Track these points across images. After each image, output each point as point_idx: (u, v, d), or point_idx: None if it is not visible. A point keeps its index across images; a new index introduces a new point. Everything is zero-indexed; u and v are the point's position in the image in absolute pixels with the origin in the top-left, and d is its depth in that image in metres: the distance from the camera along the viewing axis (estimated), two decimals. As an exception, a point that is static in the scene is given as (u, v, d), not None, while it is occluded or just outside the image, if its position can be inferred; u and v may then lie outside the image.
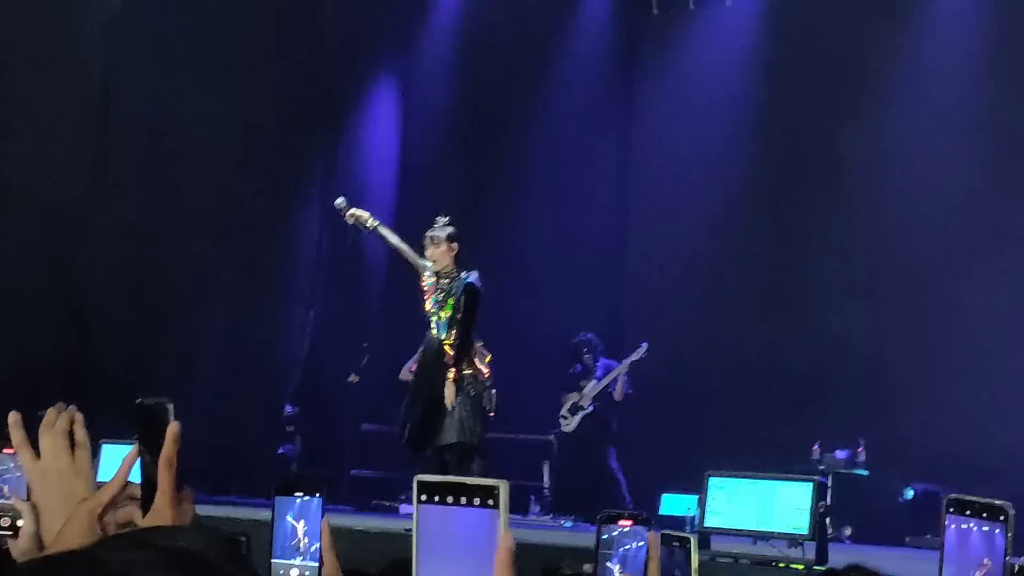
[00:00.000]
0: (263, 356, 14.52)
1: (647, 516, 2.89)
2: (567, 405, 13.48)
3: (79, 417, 2.20)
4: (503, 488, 1.34)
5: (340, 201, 10.51)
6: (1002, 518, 1.89)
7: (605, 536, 2.89)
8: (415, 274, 10.14)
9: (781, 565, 7.92)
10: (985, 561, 1.86)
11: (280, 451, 14.29)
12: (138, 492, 2.10)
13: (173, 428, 2.08)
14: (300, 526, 2.61)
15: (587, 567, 2.99)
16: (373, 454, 14.05)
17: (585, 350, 13.58)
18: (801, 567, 7.88)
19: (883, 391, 13.04)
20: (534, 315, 14.13)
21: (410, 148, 15.58)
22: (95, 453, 2.28)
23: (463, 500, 1.35)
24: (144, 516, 2.07)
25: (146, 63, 13.46)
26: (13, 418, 2.23)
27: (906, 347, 13.25)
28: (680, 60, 15.39)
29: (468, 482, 1.37)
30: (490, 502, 1.33)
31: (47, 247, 12.99)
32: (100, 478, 2.41)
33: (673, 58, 15.47)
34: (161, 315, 13.72)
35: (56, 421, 2.20)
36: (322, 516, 2.63)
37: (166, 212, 13.72)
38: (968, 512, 1.93)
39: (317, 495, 2.64)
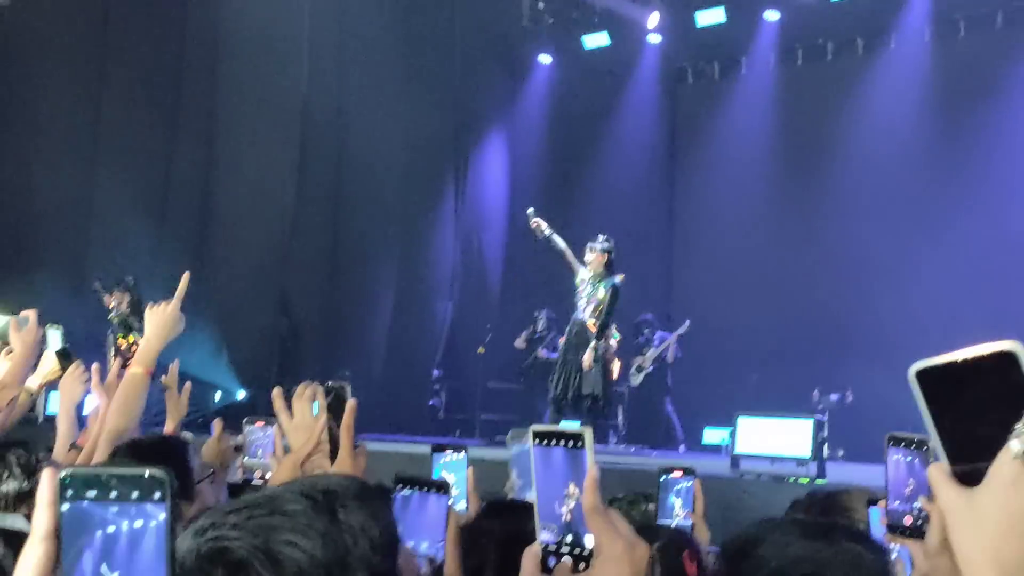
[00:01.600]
0: (416, 335, 14.69)
1: (693, 469, 2.98)
2: (634, 366, 13.51)
3: (320, 390, 2.25)
4: (588, 433, 1.29)
5: (531, 210, 10.31)
6: (925, 448, 1.81)
7: (663, 480, 2.99)
8: (566, 273, 10.19)
9: (791, 480, 7.91)
10: (910, 481, 1.79)
11: (430, 403, 14.46)
12: (327, 448, 2.17)
13: (351, 404, 2.15)
14: (451, 476, 2.58)
15: (651, 506, 3.01)
16: (497, 403, 14.17)
17: (645, 326, 13.64)
18: (806, 480, 7.86)
19: (865, 349, 12.86)
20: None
21: (516, 183, 15.65)
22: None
23: (563, 443, 1.30)
24: (331, 465, 2.13)
25: (333, 82, 13.51)
26: (277, 391, 2.31)
27: (880, 315, 13.07)
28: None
29: (564, 430, 1.31)
30: (580, 444, 1.29)
31: (263, 253, 13.20)
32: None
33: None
34: (346, 306, 13.94)
35: (305, 392, 2.27)
36: (467, 467, 2.64)
37: (348, 221, 13.88)
38: (902, 444, 1.84)
39: (463, 453, 2.65)
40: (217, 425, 3.58)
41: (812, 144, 14.13)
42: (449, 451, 2.63)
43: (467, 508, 2.60)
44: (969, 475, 0.97)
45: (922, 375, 1.01)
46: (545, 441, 1.32)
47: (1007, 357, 0.95)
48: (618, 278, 9.96)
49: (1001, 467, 0.93)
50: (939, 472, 0.99)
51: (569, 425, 10.11)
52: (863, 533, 1.53)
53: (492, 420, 13.91)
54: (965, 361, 0.98)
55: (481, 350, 14.13)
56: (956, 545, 0.96)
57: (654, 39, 14.46)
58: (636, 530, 2.58)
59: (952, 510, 0.97)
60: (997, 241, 12.41)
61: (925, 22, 13.35)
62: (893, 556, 1.87)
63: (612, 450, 12.75)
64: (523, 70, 15.53)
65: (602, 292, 9.88)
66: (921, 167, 13.31)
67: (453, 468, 2.62)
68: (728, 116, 14.98)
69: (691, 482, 3.05)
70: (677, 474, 3.02)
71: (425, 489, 2.07)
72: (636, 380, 13.42)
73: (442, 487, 2.09)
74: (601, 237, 10.00)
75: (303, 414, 2.26)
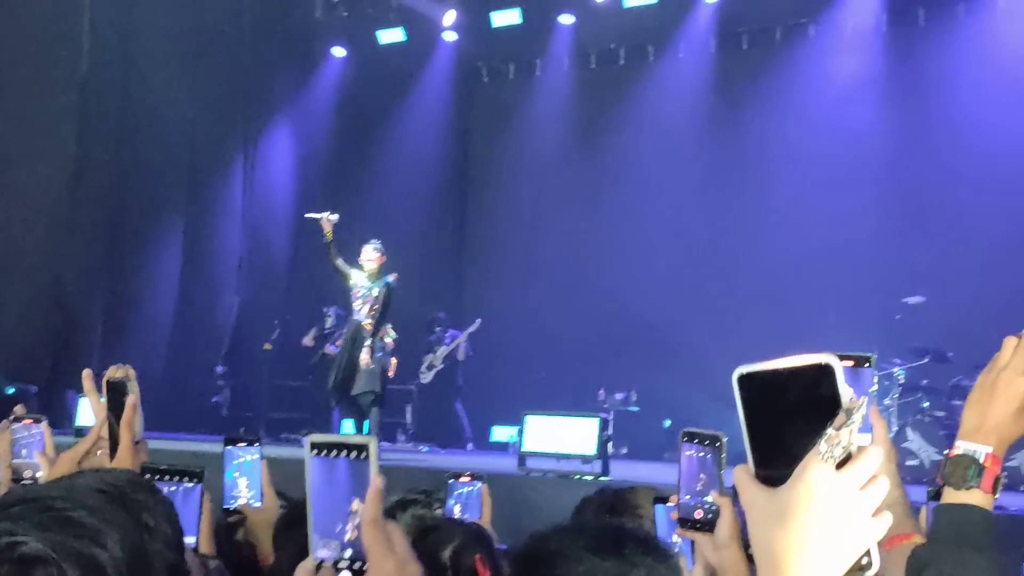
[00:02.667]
0: (201, 330, 14.27)
1: (482, 474, 2.98)
2: (425, 363, 13.51)
3: (132, 372, 2.19)
4: (372, 444, 1.24)
5: (325, 215, 10.07)
6: (718, 444, 1.88)
7: (449, 483, 2.98)
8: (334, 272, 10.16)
9: (577, 476, 8.05)
10: (701, 476, 1.85)
11: (214, 400, 14.07)
12: (106, 445, 2.11)
13: (131, 399, 2.11)
14: (241, 469, 2.56)
15: (439, 511, 3.02)
16: (284, 400, 13.92)
17: (437, 324, 13.66)
18: (591, 477, 8.02)
19: (648, 351, 13.23)
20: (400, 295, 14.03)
21: (304, 176, 15.38)
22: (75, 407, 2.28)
23: (346, 453, 1.25)
24: (111, 461, 2.07)
25: (116, 59, 13.01)
26: (87, 372, 2.22)
27: (665, 320, 13.45)
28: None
29: (347, 439, 1.27)
30: (364, 455, 1.24)
31: (35, 244, 12.56)
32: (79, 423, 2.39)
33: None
34: (127, 299, 13.41)
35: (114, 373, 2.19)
36: (261, 460, 2.59)
37: (130, 213, 13.38)
38: (696, 440, 1.90)
39: (257, 446, 2.59)
40: None
41: (603, 147, 14.44)
42: (242, 444, 2.58)
43: (262, 502, 2.57)
44: (773, 480, 1.02)
45: (744, 379, 1.05)
46: (326, 452, 1.27)
47: (824, 369, 1.01)
48: (391, 277, 10.12)
49: (808, 466, 0.99)
50: (743, 472, 1.04)
51: (347, 424, 9.98)
52: (654, 542, 1.54)
53: (279, 418, 13.65)
54: (786, 370, 1.02)
55: (267, 346, 13.83)
56: (758, 541, 1.01)
57: (449, 37, 14.47)
58: (433, 528, 2.55)
59: (756, 508, 1.02)
60: (770, 248, 12.97)
61: (710, 33, 13.84)
62: (676, 550, 1.88)
63: (400, 447, 12.73)
64: (315, 62, 15.25)
65: (377, 291, 10.02)
66: (702, 172, 13.78)
67: (247, 462, 2.57)
68: (522, 116, 15.13)
69: (478, 487, 3.05)
70: (464, 479, 3.01)
71: (178, 479, 2.06)
72: (426, 378, 13.43)
73: (195, 476, 2.08)
74: (375, 241, 10.16)
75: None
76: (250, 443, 2.59)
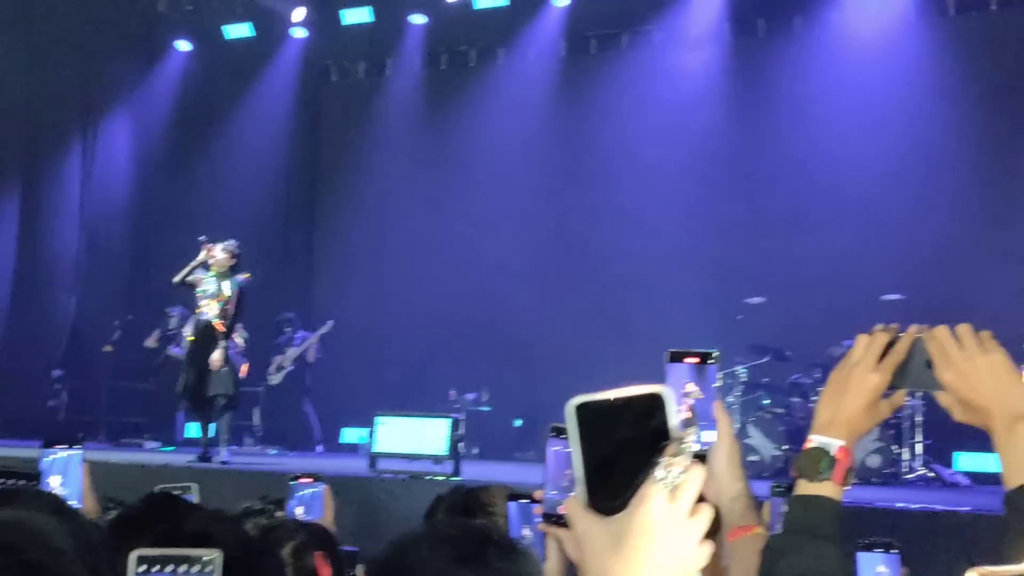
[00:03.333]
0: (36, 331, 13.77)
1: (323, 475, 3.00)
2: (274, 365, 13.35)
3: None
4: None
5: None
6: None
7: (291, 485, 2.98)
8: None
9: (428, 477, 8.08)
10: (567, 472, 1.78)
11: (49, 404, 13.60)
12: None
13: None
14: (61, 475, 2.44)
15: (280, 514, 3.00)
16: (126, 404, 13.56)
17: (286, 325, 13.51)
18: (443, 478, 8.06)
19: (499, 352, 13.33)
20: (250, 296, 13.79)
21: (144, 173, 14.97)
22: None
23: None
24: None
25: None
26: None
27: (515, 320, 13.57)
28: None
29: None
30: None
31: None
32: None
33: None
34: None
35: None
36: (82, 464, 2.47)
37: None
38: (563, 435, 1.83)
39: (77, 449, 2.47)
40: None
41: (452, 147, 14.48)
42: (59, 447, 2.45)
43: (81, 506, 2.44)
44: (605, 509, 1.04)
45: (580, 409, 1.08)
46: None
47: (656, 399, 1.04)
48: (243, 277, 9.93)
49: (647, 493, 1.02)
50: (574, 503, 1.07)
51: (191, 427, 9.76)
52: (513, 545, 1.56)
53: (120, 422, 13.31)
54: (619, 400, 1.06)
55: (108, 348, 13.46)
56: (593, 571, 1.04)
57: (299, 34, 14.30)
58: (273, 527, 2.52)
59: (590, 537, 1.05)
60: (618, 248, 13.22)
61: (560, 37, 14.03)
62: (527, 543, 1.92)
63: (247, 450, 12.53)
64: (158, 55, 14.86)
65: (228, 291, 9.80)
66: (551, 173, 13.96)
67: (64, 465, 2.45)
68: (371, 116, 15.05)
69: (319, 488, 3.07)
70: (305, 480, 3.02)
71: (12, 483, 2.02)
72: (275, 379, 13.28)
73: (32, 479, 2.06)
74: (232, 242, 9.98)
75: None
76: (70, 444, 2.48)
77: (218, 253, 9.81)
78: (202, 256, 9.81)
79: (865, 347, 1.62)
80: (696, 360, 1.80)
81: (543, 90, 14.07)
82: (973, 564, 1.38)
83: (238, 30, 14.25)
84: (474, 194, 14.12)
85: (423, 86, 14.88)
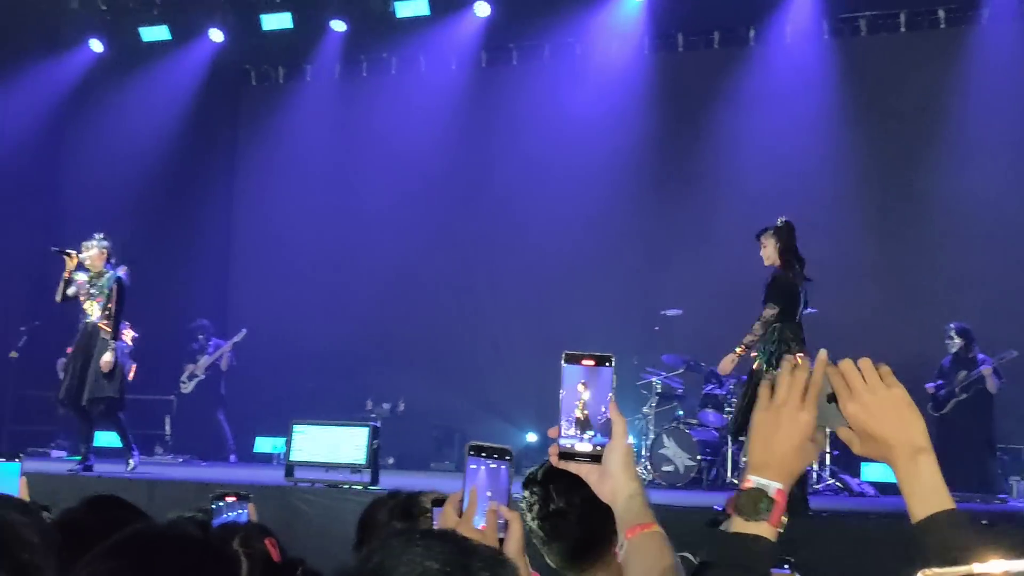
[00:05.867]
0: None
1: (248, 494, 2.95)
2: (186, 373, 13.24)
3: None
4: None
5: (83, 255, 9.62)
6: (508, 458, 1.90)
7: (214, 507, 2.81)
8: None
9: (346, 486, 8.11)
10: (488, 491, 1.89)
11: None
12: None
13: None
14: None
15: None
16: (30, 412, 13.32)
17: (200, 333, 13.40)
18: (361, 487, 8.11)
19: (414, 361, 13.36)
20: (161, 302, 13.61)
21: (52, 168, 14.71)
22: None
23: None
24: None
25: None
26: None
27: (431, 329, 13.65)
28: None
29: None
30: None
31: None
32: None
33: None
34: None
35: None
36: (20, 475, 2.52)
37: None
38: (483, 454, 1.91)
39: (16, 460, 2.52)
40: None
41: (371, 154, 14.49)
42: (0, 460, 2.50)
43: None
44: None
45: None
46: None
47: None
48: (121, 270, 9.67)
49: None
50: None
51: (110, 435, 9.52)
52: (496, 555, 1.58)
53: (25, 430, 13.09)
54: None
55: (14, 355, 13.21)
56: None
57: (216, 36, 14.19)
58: (209, 533, 2.56)
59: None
60: (537, 259, 13.37)
61: (480, 47, 14.13)
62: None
63: (158, 459, 12.41)
64: (68, 53, 14.59)
65: (107, 289, 9.56)
66: (467, 182, 14.04)
67: (4, 477, 2.50)
68: (291, 121, 14.99)
69: (245, 509, 3.03)
70: (231, 499, 2.91)
71: None
72: (187, 388, 13.16)
73: None
74: (97, 235, 9.67)
75: None
76: (8, 458, 2.52)
77: (90, 252, 9.54)
78: (69, 265, 9.51)
79: (788, 386, 1.66)
80: (592, 363, 1.84)
81: (460, 98, 14.16)
82: (923, 566, 1.47)
83: (155, 32, 14.08)
84: (391, 202, 14.15)
85: (342, 92, 14.88)
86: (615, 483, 1.86)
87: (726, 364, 7.97)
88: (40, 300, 13.92)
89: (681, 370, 10.92)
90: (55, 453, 12.54)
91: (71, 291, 9.57)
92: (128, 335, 9.98)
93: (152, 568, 1.56)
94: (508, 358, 13.02)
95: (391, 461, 12.02)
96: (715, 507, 7.11)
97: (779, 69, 12.95)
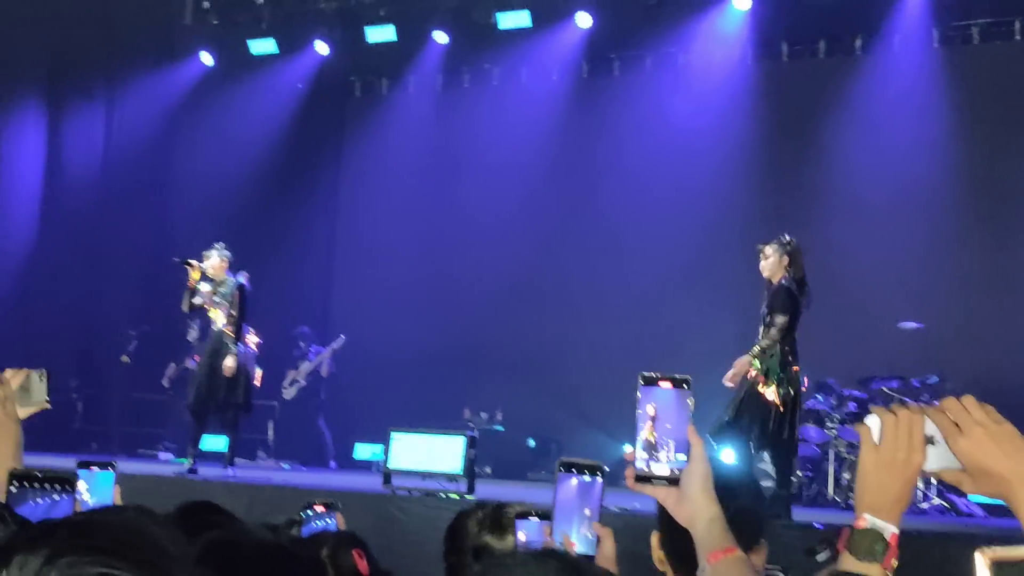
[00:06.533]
0: (52, 342, 13.77)
1: (337, 503, 2.95)
2: (288, 379, 13.45)
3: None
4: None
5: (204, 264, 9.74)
6: (599, 474, 1.90)
7: (305, 515, 2.88)
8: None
9: (442, 495, 8.13)
10: (579, 506, 1.89)
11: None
12: None
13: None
14: (92, 492, 2.47)
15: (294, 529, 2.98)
16: (139, 414, 13.68)
17: (301, 339, 13.61)
18: (456, 496, 8.09)
19: (513, 373, 13.37)
20: (266, 309, 13.86)
21: (171, 177, 15.12)
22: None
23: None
24: None
25: None
26: None
27: (531, 339, 13.64)
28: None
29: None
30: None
31: None
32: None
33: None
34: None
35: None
36: (114, 484, 2.50)
37: None
38: (574, 470, 1.91)
39: (110, 469, 2.53)
40: None
41: (470, 165, 14.59)
42: (95, 468, 2.51)
43: None
44: None
45: None
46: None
47: None
48: (243, 276, 9.82)
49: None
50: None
51: (215, 439, 9.67)
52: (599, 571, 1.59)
53: (135, 432, 13.43)
54: None
55: (125, 359, 13.58)
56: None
57: (322, 49, 14.45)
58: (297, 542, 2.59)
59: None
60: (638, 267, 13.29)
61: (582, 58, 14.14)
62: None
63: (260, 464, 12.62)
64: (181, 67, 15.00)
65: (230, 296, 9.72)
66: (574, 195, 14.04)
67: (99, 486, 2.50)
68: (394, 132, 15.15)
69: (333, 518, 3.06)
70: (320, 508, 2.97)
71: (49, 486, 2.07)
72: (289, 394, 13.36)
73: (67, 482, 2.10)
74: (218, 245, 9.83)
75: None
76: (102, 467, 2.53)
77: (211, 261, 9.67)
78: (193, 275, 9.65)
79: (896, 428, 1.64)
80: (669, 384, 1.82)
81: (561, 109, 14.19)
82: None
83: (263, 45, 14.40)
84: (491, 212, 14.21)
85: (445, 103, 15.01)
86: (694, 507, 1.84)
87: (742, 367, 7.85)
88: (150, 305, 14.32)
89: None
90: (162, 455, 12.83)
91: (196, 301, 9.73)
92: (252, 340, 10.18)
93: (234, 575, 1.58)
94: (607, 369, 12.93)
95: (488, 470, 12.00)
96: (815, 524, 6.99)
97: (887, 78, 12.70)
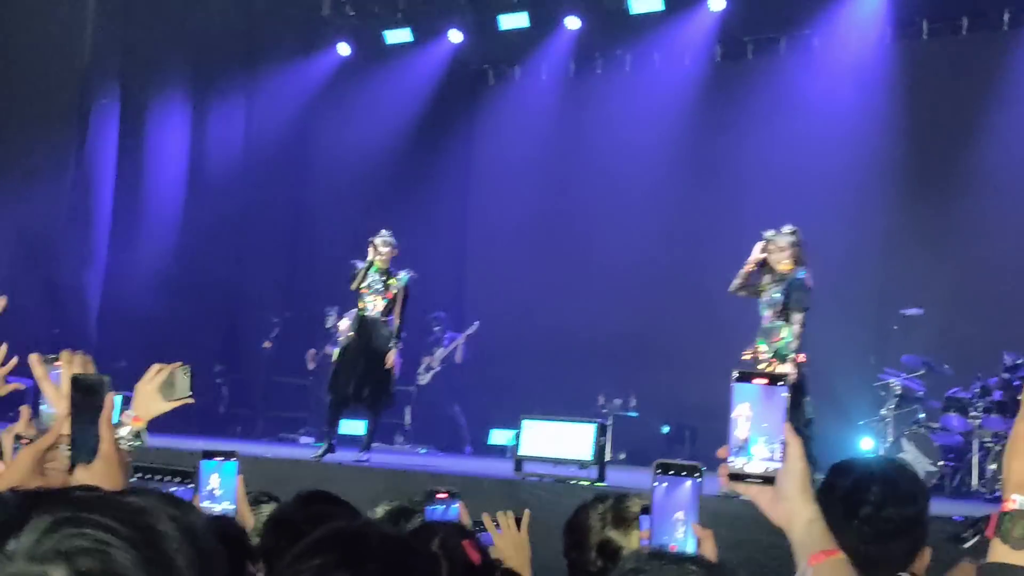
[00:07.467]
0: (196, 327, 14.24)
1: (458, 492, 3.06)
2: (423, 365, 13.64)
3: (89, 359, 2.17)
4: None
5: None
6: (697, 475, 1.87)
7: (428, 508, 3.01)
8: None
9: (573, 482, 8.16)
10: (676, 509, 1.86)
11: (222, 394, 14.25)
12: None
13: (110, 400, 2.02)
14: (217, 481, 2.59)
15: (417, 519, 3.05)
16: (281, 399, 14.04)
17: (436, 325, 13.78)
18: (587, 483, 8.12)
19: (647, 358, 13.34)
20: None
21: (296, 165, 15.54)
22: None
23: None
24: (73, 467, 1.96)
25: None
26: (35, 357, 2.19)
27: (665, 325, 13.58)
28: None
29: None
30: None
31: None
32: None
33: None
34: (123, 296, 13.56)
35: (72, 360, 2.14)
36: (237, 474, 2.63)
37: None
38: (671, 472, 1.88)
39: (233, 459, 2.63)
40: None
41: (603, 150, 14.57)
42: (218, 458, 2.62)
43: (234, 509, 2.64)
44: None
45: None
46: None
47: None
48: (411, 274, 9.83)
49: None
50: None
51: (353, 424, 9.85)
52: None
53: (278, 416, 13.80)
54: None
55: (267, 344, 13.99)
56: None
57: (455, 37, 14.62)
58: (416, 528, 2.66)
59: None
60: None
61: (714, 41, 13.99)
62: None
63: (398, 448, 12.87)
64: (319, 57, 15.37)
65: (394, 289, 9.68)
66: (700, 181, 13.91)
67: (223, 475, 2.62)
68: (526, 118, 15.25)
69: (455, 505, 3.11)
70: (442, 496, 3.07)
71: (170, 479, 2.22)
72: (424, 379, 13.56)
73: (188, 476, 2.24)
74: (385, 232, 9.76)
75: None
76: (226, 457, 2.63)
77: (381, 248, 9.60)
78: (372, 256, 9.62)
79: None
80: (765, 381, 1.76)
81: (694, 94, 14.06)
82: None
83: (398, 35, 14.65)
84: (624, 196, 14.18)
85: (578, 90, 15.04)
86: (791, 507, 1.75)
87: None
88: (290, 291, 14.73)
89: (922, 371, 10.48)
90: (303, 439, 13.19)
91: (365, 284, 9.68)
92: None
93: (356, 565, 1.66)
94: (740, 356, 12.80)
95: (622, 456, 12.00)
96: (953, 517, 6.83)
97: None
